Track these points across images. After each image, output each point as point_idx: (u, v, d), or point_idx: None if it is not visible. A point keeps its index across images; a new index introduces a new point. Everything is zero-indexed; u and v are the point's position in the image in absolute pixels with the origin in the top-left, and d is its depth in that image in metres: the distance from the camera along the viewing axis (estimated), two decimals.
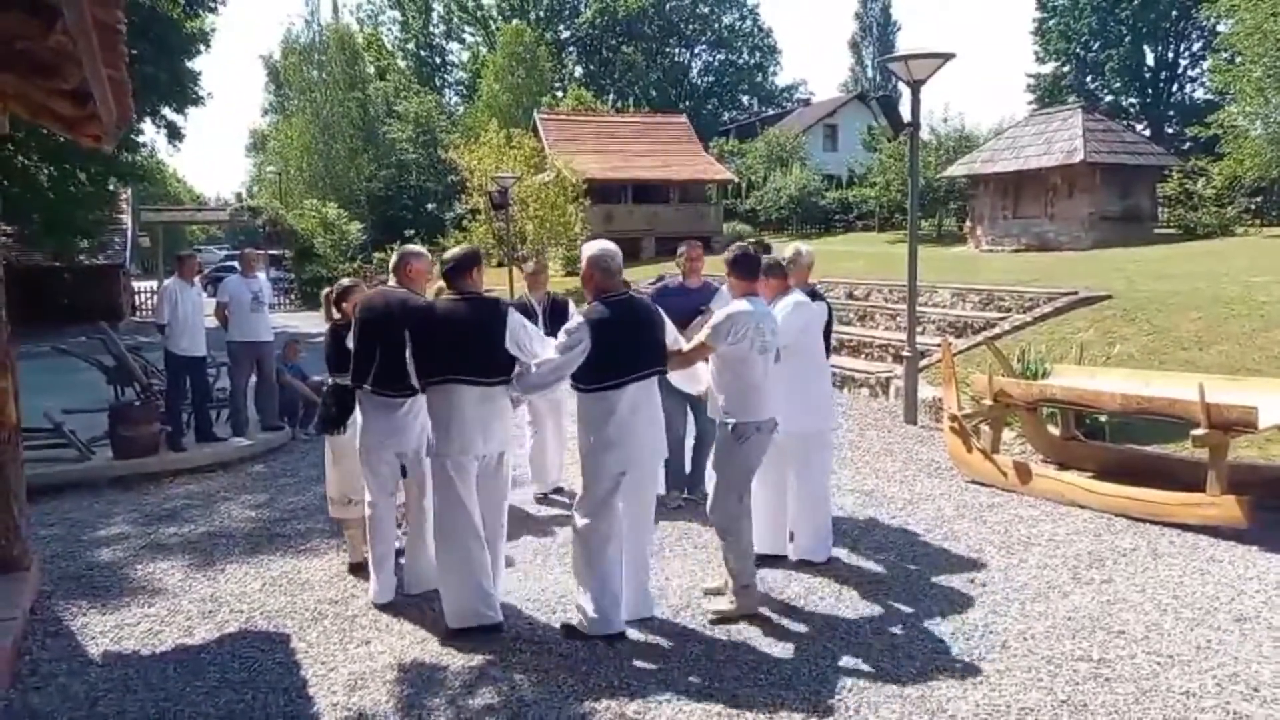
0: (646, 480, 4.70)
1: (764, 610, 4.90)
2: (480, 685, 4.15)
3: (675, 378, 4.96)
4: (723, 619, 4.75)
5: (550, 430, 7.12)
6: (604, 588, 4.51)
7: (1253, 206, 21.09)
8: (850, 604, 5.00)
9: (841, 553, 5.81)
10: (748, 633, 4.64)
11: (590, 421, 4.51)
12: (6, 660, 4.26)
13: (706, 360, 4.80)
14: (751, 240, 6.31)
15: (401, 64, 62.24)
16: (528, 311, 6.74)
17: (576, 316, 4.71)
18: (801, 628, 4.70)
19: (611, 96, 53.76)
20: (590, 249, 4.66)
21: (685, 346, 4.77)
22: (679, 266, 6.95)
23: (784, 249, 5.76)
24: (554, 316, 6.65)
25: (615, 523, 4.54)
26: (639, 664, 4.32)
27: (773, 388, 4.81)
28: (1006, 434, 7.92)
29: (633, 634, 4.62)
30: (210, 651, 4.60)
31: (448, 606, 4.65)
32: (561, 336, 4.48)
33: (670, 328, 4.76)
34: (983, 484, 7.23)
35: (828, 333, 5.73)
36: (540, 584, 5.33)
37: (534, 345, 4.64)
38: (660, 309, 4.77)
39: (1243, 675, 4.06)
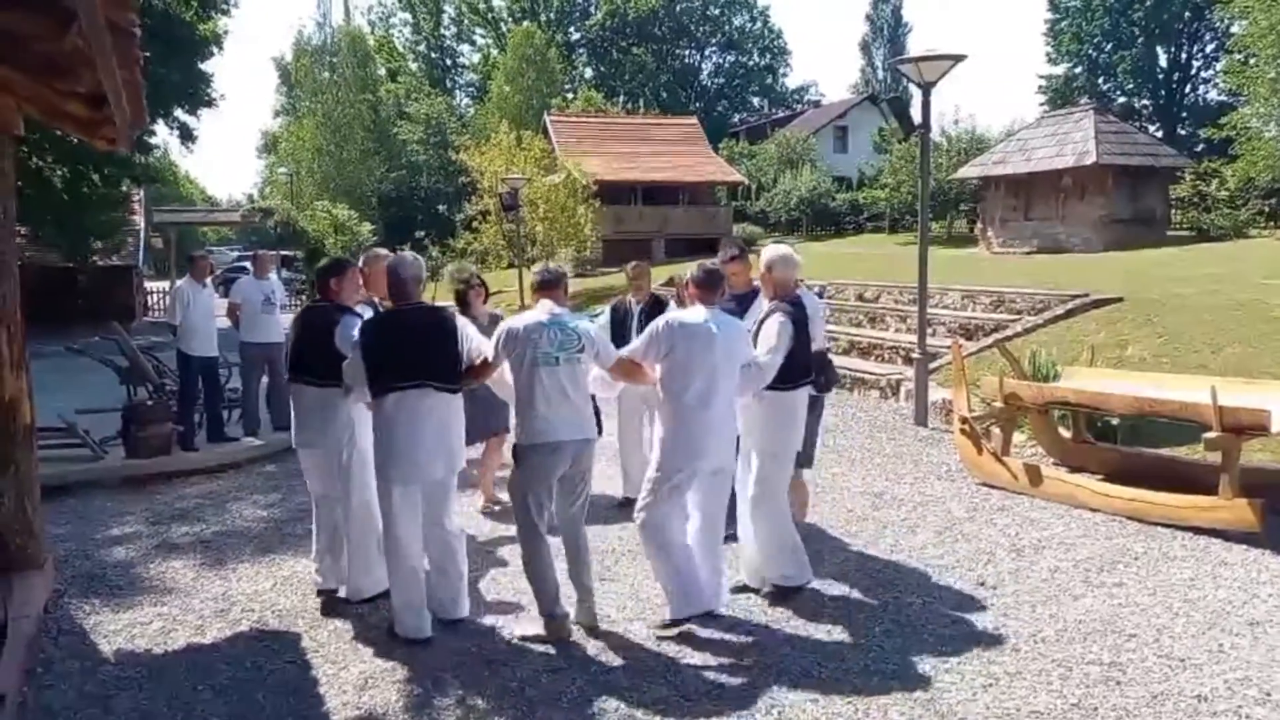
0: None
1: (771, 612, 4.90)
2: (490, 685, 4.16)
3: (593, 386, 4.80)
4: (531, 640, 4.59)
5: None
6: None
7: (1267, 208, 20.98)
8: (860, 606, 4.99)
9: (852, 555, 5.80)
10: (755, 636, 4.64)
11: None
12: (21, 658, 4.29)
13: (483, 376, 4.74)
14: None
15: (412, 66, 62.50)
16: (624, 314, 6.84)
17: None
18: (810, 629, 4.70)
19: (622, 98, 53.82)
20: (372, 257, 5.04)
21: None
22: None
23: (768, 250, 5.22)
24: (649, 316, 6.25)
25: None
26: (648, 665, 4.32)
27: (566, 407, 4.43)
28: (1017, 436, 7.89)
29: (642, 636, 4.63)
30: (222, 650, 4.63)
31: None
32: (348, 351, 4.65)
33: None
34: (993, 486, 7.21)
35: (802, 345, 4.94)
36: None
37: (346, 348, 4.71)
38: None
39: (1255, 679, 4.04)
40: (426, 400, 4.52)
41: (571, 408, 4.47)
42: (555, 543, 4.69)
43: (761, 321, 4.94)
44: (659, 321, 4.70)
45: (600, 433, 4.75)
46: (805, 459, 5.54)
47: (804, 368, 4.96)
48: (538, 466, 4.50)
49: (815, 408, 5.50)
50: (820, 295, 5.65)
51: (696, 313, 4.66)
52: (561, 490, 4.63)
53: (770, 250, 5.05)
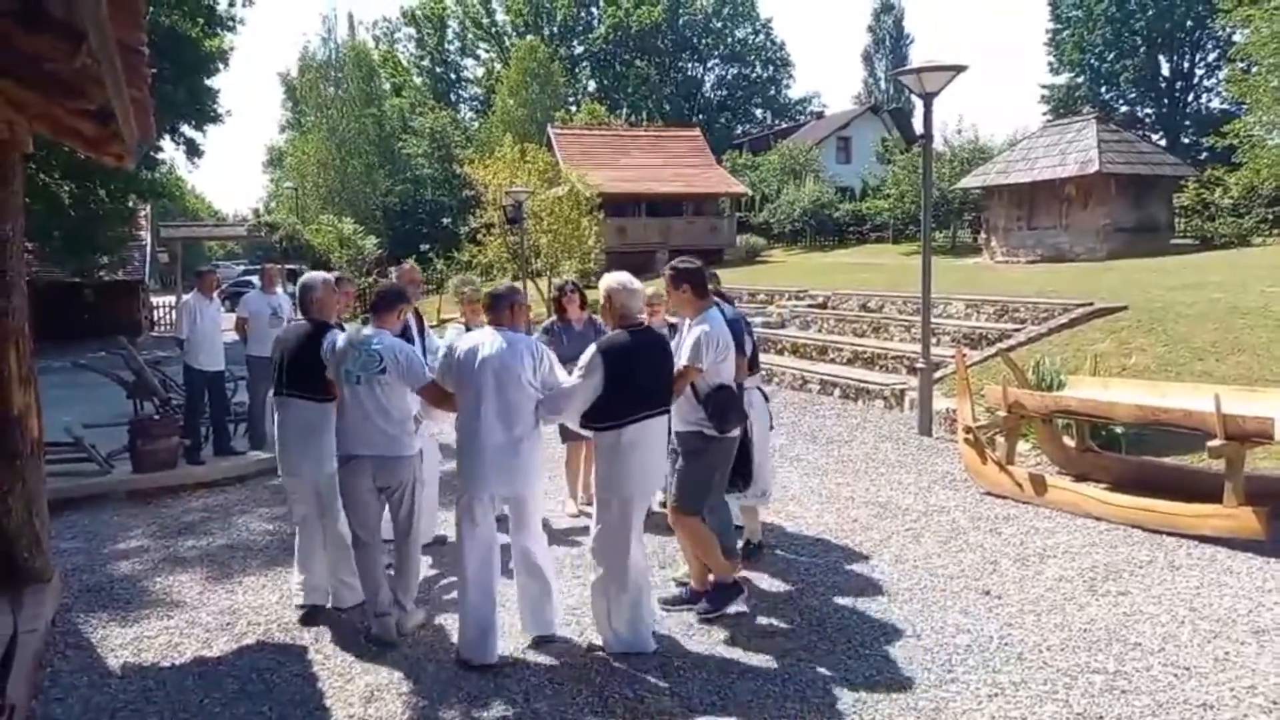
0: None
1: (775, 621, 4.91)
2: (494, 697, 4.17)
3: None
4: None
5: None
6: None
7: (1270, 216, 20.92)
8: (865, 616, 4.99)
9: (857, 564, 5.81)
10: (761, 645, 4.65)
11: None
12: (29, 672, 4.31)
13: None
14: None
15: (417, 80, 62.78)
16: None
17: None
18: (814, 638, 4.71)
19: (625, 111, 53.99)
20: None
21: None
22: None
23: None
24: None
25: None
26: (651, 678, 4.33)
27: (366, 423, 4.64)
28: (1022, 446, 7.89)
29: (642, 650, 4.64)
30: (228, 663, 4.64)
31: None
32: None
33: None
34: (998, 496, 7.20)
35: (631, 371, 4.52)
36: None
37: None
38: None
39: (1261, 688, 4.03)
40: (291, 409, 5.10)
41: (372, 425, 4.66)
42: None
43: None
44: (450, 344, 4.83)
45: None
46: (740, 484, 5.25)
47: (640, 401, 4.47)
48: (343, 479, 4.82)
49: (720, 448, 4.85)
50: (735, 322, 5.12)
51: (476, 335, 4.65)
52: (390, 503, 4.87)
53: (609, 279, 4.71)
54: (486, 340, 4.50)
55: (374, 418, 4.65)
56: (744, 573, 5.39)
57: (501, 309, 4.62)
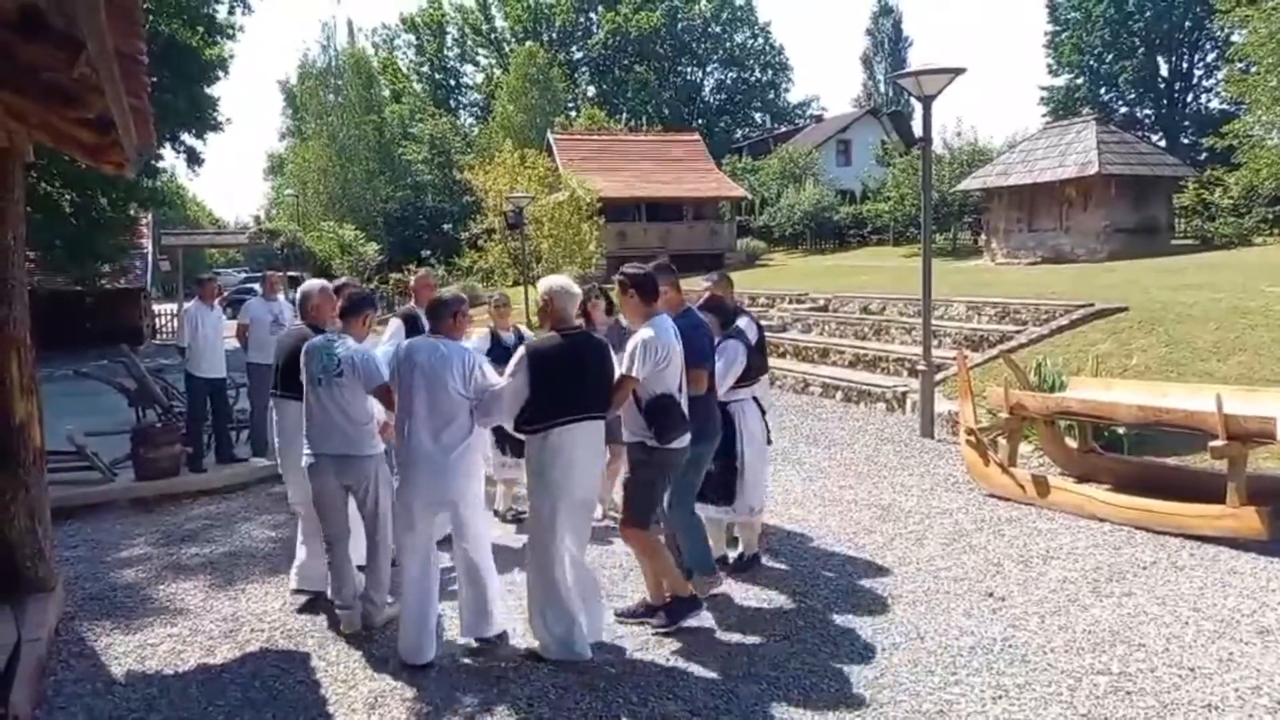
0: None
1: (778, 624, 4.91)
2: (499, 703, 4.16)
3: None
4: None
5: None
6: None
7: (1270, 216, 20.92)
8: (869, 618, 4.98)
9: (859, 567, 5.80)
10: (764, 649, 4.64)
11: None
12: (32, 681, 4.31)
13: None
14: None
15: (417, 87, 62.89)
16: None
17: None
18: (820, 643, 4.70)
19: (624, 116, 54.02)
20: None
21: None
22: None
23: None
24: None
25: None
26: (655, 683, 4.32)
27: (326, 423, 4.84)
28: (1024, 447, 7.89)
29: (650, 653, 4.64)
30: (232, 671, 4.64)
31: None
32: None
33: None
34: (1001, 497, 7.20)
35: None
36: None
37: None
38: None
39: (1265, 688, 4.03)
40: (286, 409, 5.33)
41: (333, 425, 4.83)
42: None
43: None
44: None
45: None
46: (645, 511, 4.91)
47: (566, 405, 4.44)
48: (310, 477, 4.99)
49: (663, 460, 4.69)
50: (698, 329, 4.98)
51: (412, 342, 4.77)
52: (356, 501, 5.04)
53: (546, 282, 4.71)
54: (421, 348, 4.61)
55: (335, 418, 4.83)
56: (725, 587, 5.32)
57: (445, 317, 4.70)
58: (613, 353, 4.74)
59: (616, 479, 6.85)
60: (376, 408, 4.96)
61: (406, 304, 7.60)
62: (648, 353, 4.51)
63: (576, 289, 4.75)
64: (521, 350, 4.55)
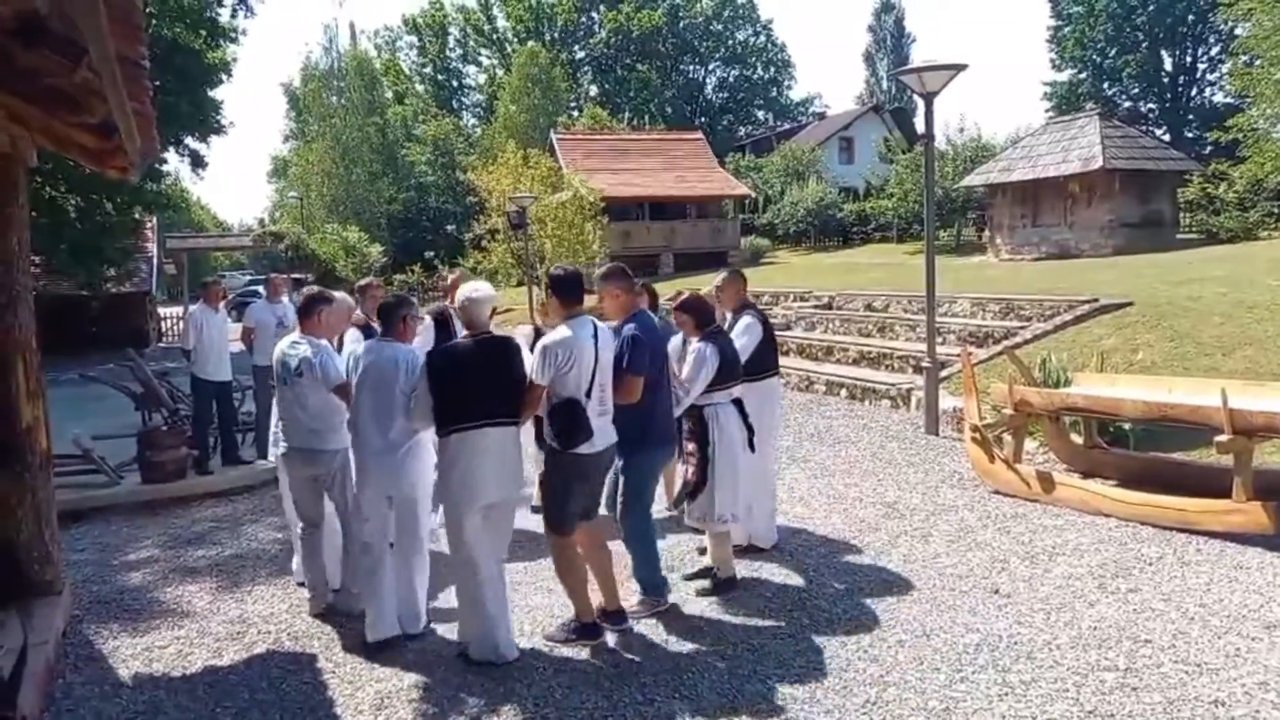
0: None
1: (784, 622, 4.91)
2: (504, 702, 4.17)
3: None
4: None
5: None
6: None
7: (1276, 210, 20.86)
8: (874, 616, 4.98)
9: (864, 564, 5.80)
10: (770, 647, 4.65)
11: None
12: (40, 684, 4.33)
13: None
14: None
15: (419, 88, 62.99)
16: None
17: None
18: (823, 639, 4.70)
19: (627, 115, 54.06)
20: None
21: None
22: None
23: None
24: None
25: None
26: (662, 680, 4.33)
27: (292, 419, 5.21)
28: (1029, 443, 7.87)
29: (656, 652, 4.64)
30: (239, 673, 4.66)
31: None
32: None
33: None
34: (1006, 494, 7.19)
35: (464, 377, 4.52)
36: (565, 600, 5.34)
37: None
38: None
39: (1273, 684, 4.02)
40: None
41: (296, 420, 5.18)
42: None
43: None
44: None
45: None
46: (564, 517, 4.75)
47: (467, 409, 4.45)
48: (281, 465, 5.38)
49: (570, 465, 4.56)
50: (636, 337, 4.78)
51: (365, 344, 5.02)
52: (327, 493, 5.28)
53: (462, 287, 4.76)
54: (371, 349, 4.85)
55: (297, 413, 5.17)
56: (663, 609, 5.10)
57: (394, 320, 4.90)
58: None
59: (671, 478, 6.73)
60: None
61: (438, 302, 7.66)
62: (547, 358, 4.43)
63: (487, 293, 4.72)
64: (426, 358, 4.64)
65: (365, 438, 4.79)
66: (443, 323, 6.47)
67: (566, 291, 4.68)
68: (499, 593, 4.65)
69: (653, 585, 5.10)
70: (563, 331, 4.52)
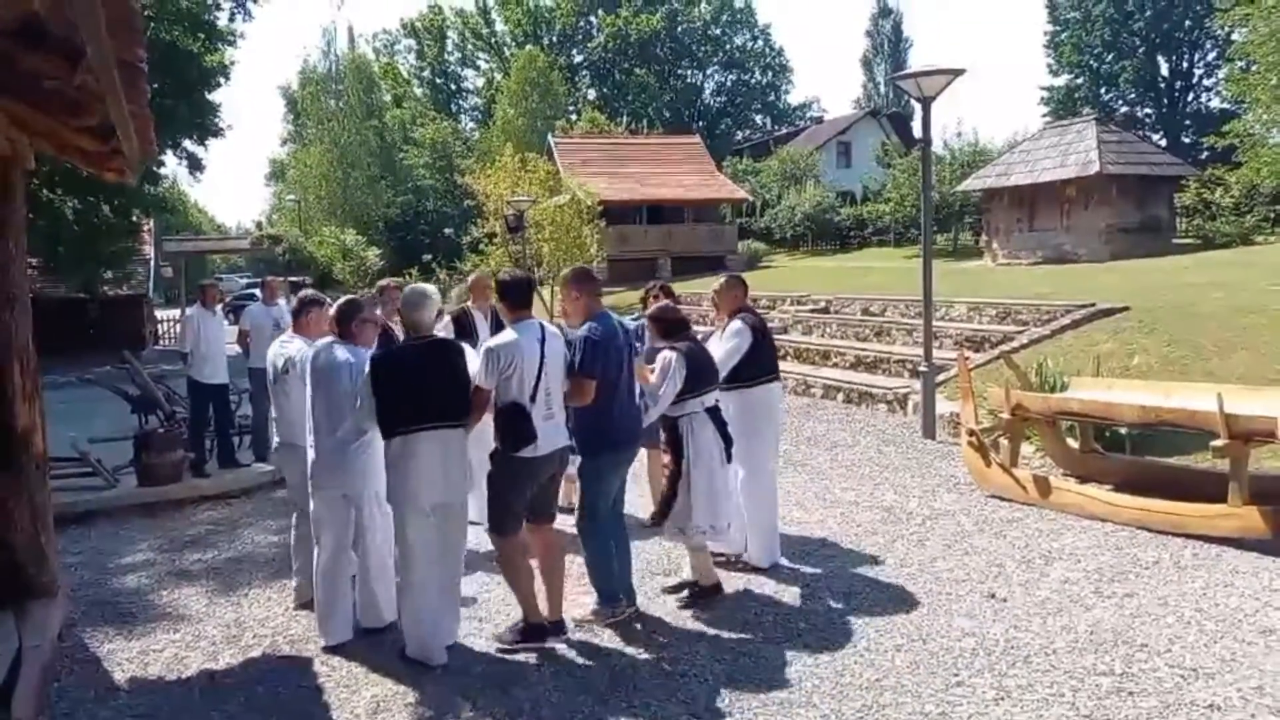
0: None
1: (780, 627, 4.92)
2: (500, 707, 4.17)
3: None
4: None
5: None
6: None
7: (1272, 215, 20.92)
8: (871, 620, 4.98)
9: (861, 569, 5.80)
10: (766, 652, 4.64)
11: None
12: (35, 687, 4.32)
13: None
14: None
15: (417, 91, 63.04)
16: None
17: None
18: (820, 643, 4.70)
19: (625, 118, 54.08)
20: None
21: None
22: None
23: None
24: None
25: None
26: (658, 685, 4.32)
27: (279, 414, 5.44)
28: (1025, 448, 7.88)
29: (649, 655, 4.64)
30: (235, 676, 4.65)
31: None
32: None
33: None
34: (1002, 498, 7.19)
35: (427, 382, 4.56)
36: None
37: None
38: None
39: (1268, 688, 4.02)
40: None
41: (283, 416, 5.40)
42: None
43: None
44: None
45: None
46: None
47: (408, 413, 4.47)
48: (278, 456, 5.66)
49: (512, 467, 4.58)
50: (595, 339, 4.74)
51: (316, 344, 5.09)
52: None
53: (404, 292, 4.87)
54: (322, 350, 4.92)
55: (285, 411, 5.38)
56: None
57: (350, 322, 4.98)
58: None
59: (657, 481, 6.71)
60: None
61: (460, 304, 7.68)
62: (489, 361, 4.48)
63: (429, 297, 4.76)
64: (371, 361, 4.67)
65: (319, 436, 4.88)
66: (462, 323, 6.51)
67: (514, 296, 4.74)
68: (434, 599, 4.63)
69: (606, 594, 4.99)
70: (507, 335, 4.58)
